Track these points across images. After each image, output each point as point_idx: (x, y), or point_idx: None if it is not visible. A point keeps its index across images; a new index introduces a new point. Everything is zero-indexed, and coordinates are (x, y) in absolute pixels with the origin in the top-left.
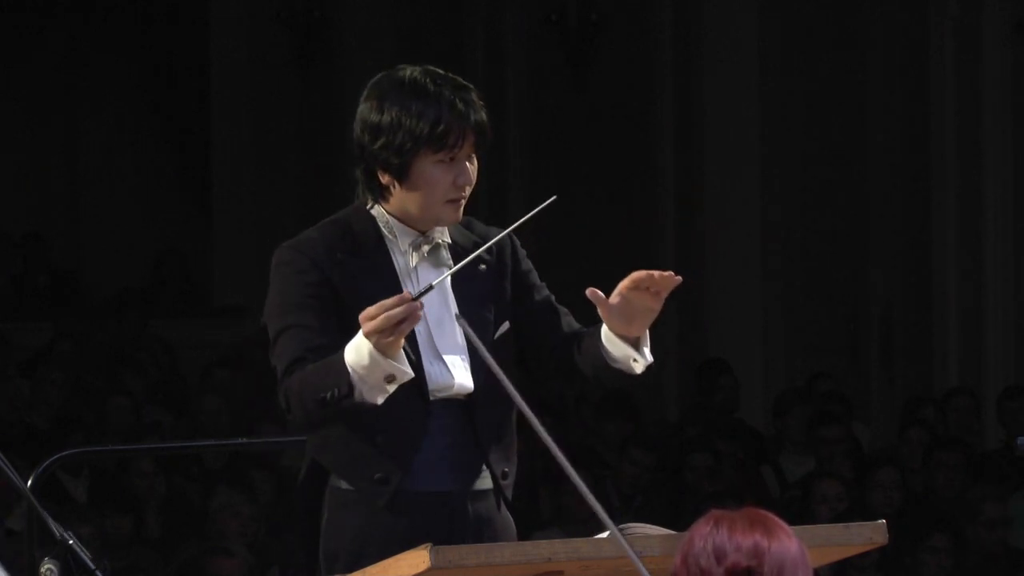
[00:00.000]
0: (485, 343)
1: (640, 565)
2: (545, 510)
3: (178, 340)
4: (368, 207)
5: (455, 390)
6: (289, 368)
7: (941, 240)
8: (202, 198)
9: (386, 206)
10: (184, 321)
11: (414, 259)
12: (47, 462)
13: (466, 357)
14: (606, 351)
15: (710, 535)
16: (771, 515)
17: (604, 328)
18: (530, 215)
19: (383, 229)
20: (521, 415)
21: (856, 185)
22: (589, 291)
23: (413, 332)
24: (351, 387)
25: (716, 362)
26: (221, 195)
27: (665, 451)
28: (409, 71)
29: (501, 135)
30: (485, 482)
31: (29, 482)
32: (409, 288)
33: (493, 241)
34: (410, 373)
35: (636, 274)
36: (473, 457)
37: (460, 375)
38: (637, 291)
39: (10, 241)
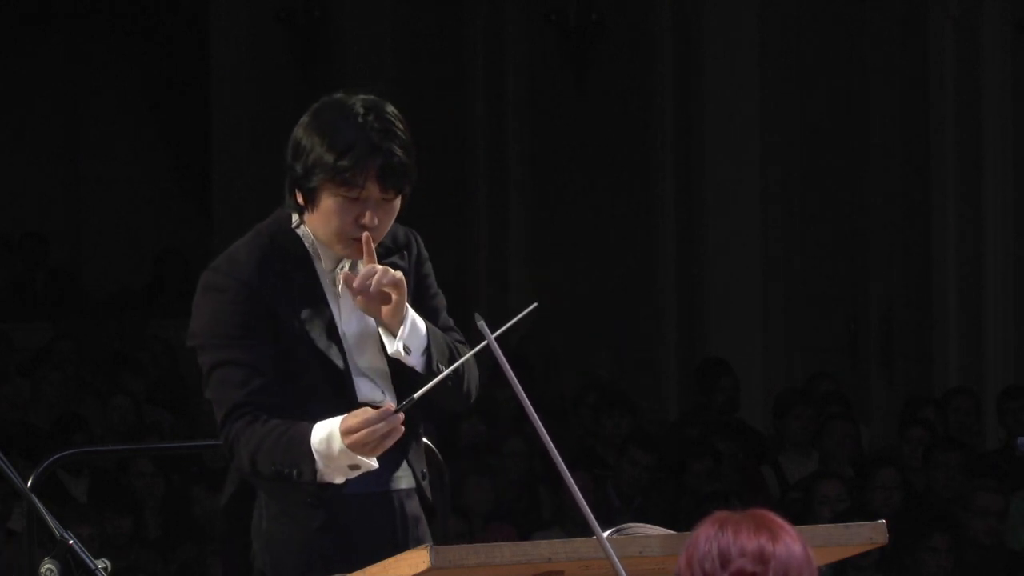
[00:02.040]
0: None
1: (622, 571)
2: (545, 510)
3: (178, 340)
4: (294, 225)
5: (386, 404)
6: (231, 414)
7: (941, 240)
8: (202, 198)
9: (309, 225)
10: (184, 321)
11: (339, 280)
12: (47, 462)
13: (386, 370)
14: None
15: (715, 538)
16: (776, 517)
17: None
18: (513, 322)
19: (308, 249)
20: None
21: (856, 185)
22: (343, 274)
23: (340, 342)
24: (315, 473)
25: (716, 362)
26: (221, 195)
27: (665, 451)
28: (349, 99)
29: (501, 134)
30: (409, 482)
31: (29, 482)
32: (334, 309)
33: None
34: (375, 465)
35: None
36: (399, 458)
37: (388, 389)
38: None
39: (10, 241)
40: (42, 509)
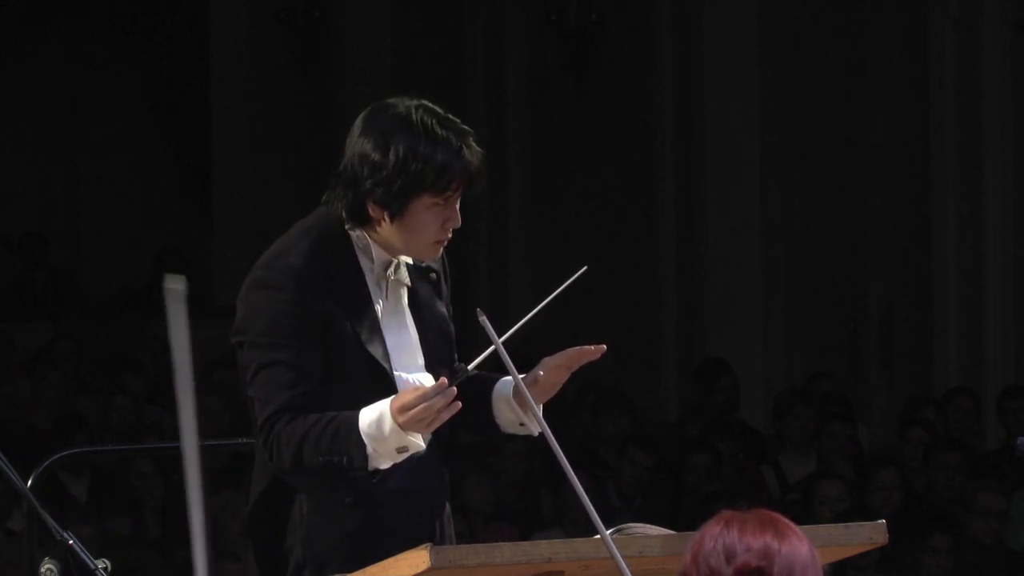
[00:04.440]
0: (451, 356)
1: (625, 569)
2: (546, 510)
3: None
4: (347, 227)
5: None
6: (275, 414)
7: (941, 240)
8: (202, 198)
9: (367, 230)
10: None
11: (384, 282)
12: (47, 462)
13: (424, 371)
14: (497, 409)
15: (721, 535)
16: (782, 517)
17: (505, 391)
18: (564, 287)
19: (359, 253)
20: None
21: (856, 185)
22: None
23: (384, 344)
24: (366, 459)
25: (716, 362)
26: (221, 195)
27: (665, 451)
28: (408, 108)
29: (501, 135)
30: (440, 479)
31: (29, 482)
32: (378, 309)
33: (534, 312)
34: (423, 447)
35: (570, 351)
36: (432, 456)
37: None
38: (560, 368)
39: (10, 241)
40: (41, 509)
